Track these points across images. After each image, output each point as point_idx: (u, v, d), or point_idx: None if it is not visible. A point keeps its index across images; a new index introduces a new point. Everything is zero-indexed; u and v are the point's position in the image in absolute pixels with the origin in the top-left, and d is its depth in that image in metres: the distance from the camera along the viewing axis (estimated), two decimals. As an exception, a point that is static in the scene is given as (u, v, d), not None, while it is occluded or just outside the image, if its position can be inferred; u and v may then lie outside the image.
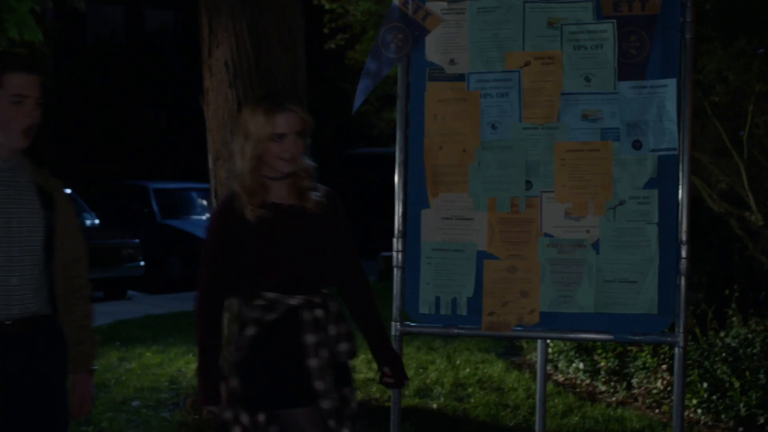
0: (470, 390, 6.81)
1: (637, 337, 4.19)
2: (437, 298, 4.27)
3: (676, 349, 4.08)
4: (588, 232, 4.15)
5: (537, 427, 4.53)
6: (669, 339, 4.16)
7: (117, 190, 15.96)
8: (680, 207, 4.07)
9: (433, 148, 4.28)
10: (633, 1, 4.13)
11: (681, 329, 4.07)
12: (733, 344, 6.67)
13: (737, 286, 8.20)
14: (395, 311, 4.30)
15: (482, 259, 4.22)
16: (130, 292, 13.14)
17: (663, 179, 4.10)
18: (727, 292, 7.53)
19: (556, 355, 7.54)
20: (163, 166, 20.70)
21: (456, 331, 4.28)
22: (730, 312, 7.24)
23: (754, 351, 6.45)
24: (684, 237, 4.07)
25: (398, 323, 4.29)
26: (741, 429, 6.00)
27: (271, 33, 5.93)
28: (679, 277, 4.06)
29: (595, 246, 4.12)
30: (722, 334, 6.93)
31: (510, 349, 8.55)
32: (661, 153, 4.10)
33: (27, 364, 3.17)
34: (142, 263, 12.97)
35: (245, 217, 3.34)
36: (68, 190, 13.82)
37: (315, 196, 3.46)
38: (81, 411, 3.41)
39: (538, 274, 4.18)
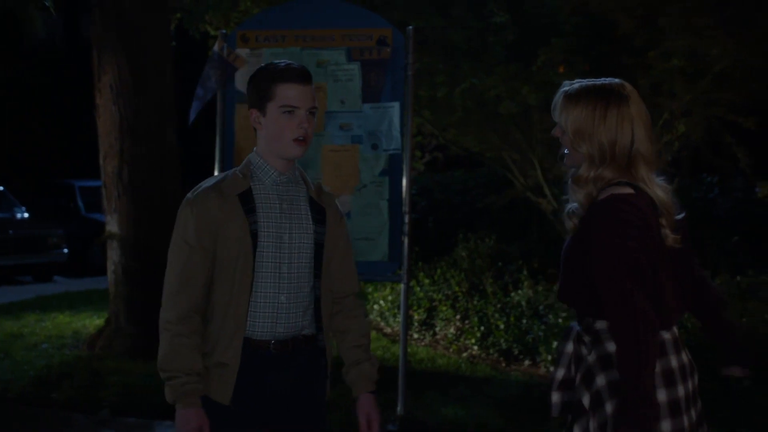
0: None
1: (377, 278, 6.17)
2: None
3: (402, 285, 6.05)
4: (343, 206, 6.05)
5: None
6: (396, 279, 6.15)
7: (47, 187, 17.70)
8: (404, 189, 6.03)
9: (240, 150, 6.20)
10: (372, 49, 6.11)
11: (405, 272, 6.05)
12: (522, 301, 8.67)
13: (536, 258, 10.28)
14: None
15: (273, 226, 6.15)
16: (56, 277, 14.90)
17: (392, 170, 6.07)
18: (520, 262, 9.55)
19: (387, 310, 9.54)
20: (91, 166, 22.32)
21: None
22: (522, 278, 9.25)
23: (521, 303, 8.46)
24: (406, 209, 6.03)
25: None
26: (502, 358, 8.02)
27: (145, 63, 7.85)
28: (403, 236, 6.02)
29: (348, 215, 6.06)
30: (512, 293, 8.93)
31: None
32: (391, 152, 6.07)
33: (292, 386, 3.05)
34: (66, 250, 14.76)
35: None
36: (0, 188, 15.55)
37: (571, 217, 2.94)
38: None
39: (310, 235, 6.12)
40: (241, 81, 6.23)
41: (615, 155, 2.84)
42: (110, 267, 8.08)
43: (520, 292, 8.85)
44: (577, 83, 2.92)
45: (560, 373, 2.97)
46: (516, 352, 8.02)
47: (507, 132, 9.87)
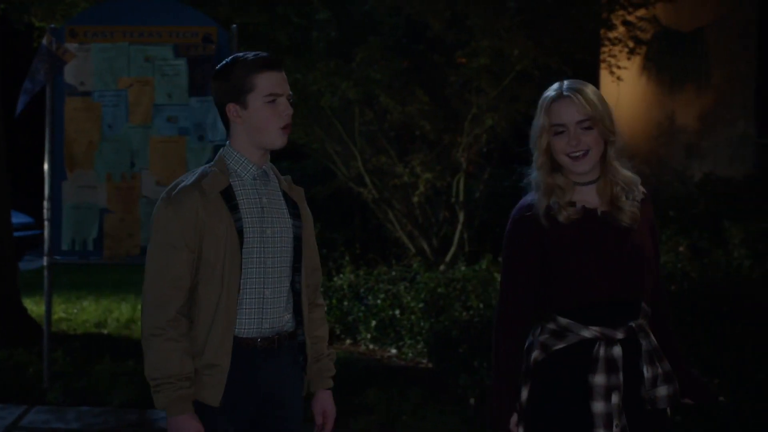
0: (139, 323, 9.02)
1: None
2: (73, 240, 6.44)
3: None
4: (171, 194, 6.42)
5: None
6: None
7: None
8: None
9: (70, 141, 6.44)
10: (198, 46, 6.45)
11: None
12: (344, 285, 9.16)
13: (358, 244, 10.81)
14: (46, 249, 6.44)
15: (104, 214, 6.42)
16: None
17: (217, 160, 6.44)
18: (342, 249, 10.06)
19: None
20: None
21: (86, 261, 6.49)
22: (345, 263, 9.76)
23: (344, 287, 8.97)
24: (232, 197, 6.40)
25: (48, 257, 6.44)
26: (325, 339, 8.50)
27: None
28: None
29: (176, 203, 6.39)
30: (335, 278, 9.42)
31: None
32: (216, 143, 6.43)
33: (276, 384, 3.02)
34: None
35: (547, 222, 2.90)
36: None
37: (630, 204, 2.91)
38: (326, 429, 3.22)
39: (139, 223, 6.42)
40: (70, 75, 6.46)
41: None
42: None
43: (342, 276, 9.35)
44: (561, 82, 2.95)
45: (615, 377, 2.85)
46: (338, 331, 8.52)
47: (330, 125, 10.33)
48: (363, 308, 8.41)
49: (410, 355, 7.75)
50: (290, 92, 2.99)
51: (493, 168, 10.57)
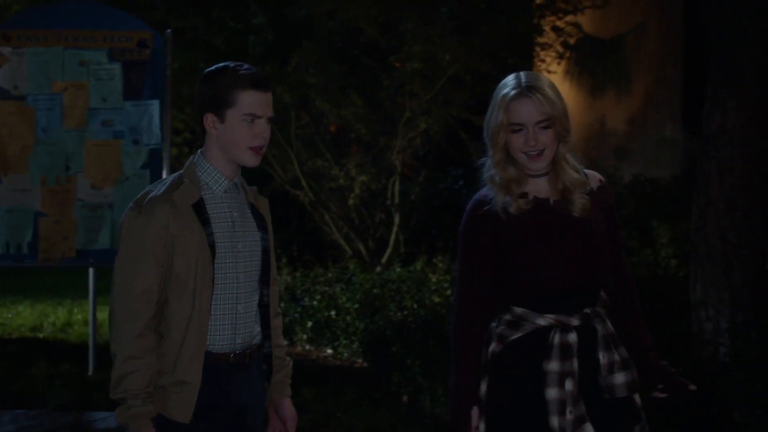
0: (75, 327, 9.05)
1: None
2: (8, 243, 6.44)
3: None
4: (106, 197, 6.46)
5: (90, 338, 6.83)
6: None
7: None
8: (164, 181, 6.48)
9: (4, 145, 6.44)
10: (133, 50, 6.50)
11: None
12: (281, 287, 9.27)
13: (295, 247, 10.91)
14: (-21, 253, 6.45)
15: (38, 217, 6.43)
16: None
17: (152, 164, 6.50)
18: (279, 251, 10.15)
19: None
20: None
21: (21, 264, 6.51)
22: (282, 265, 9.85)
23: (280, 289, 9.06)
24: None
25: (-18, 261, 6.46)
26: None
27: None
28: (165, 225, 6.47)
29: (111, 206, 6.42)
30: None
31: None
32: (151, 147, 6.49)
33: (245, 396, 2.99)
34: None
35: (501, 215, 2.90)
36: None
37: (580, 197, 2.92)
38: None
39: (74, 225, 6.45)
40: (4, 78, 6.46)
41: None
42: None
43: (278, 278, 9.43)
44: (518, 77, 2.92)
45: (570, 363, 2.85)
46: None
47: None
48: (299, 309, 8.52)
49: (345, 355, 7.88)
50: (272, 114, 2.92)
51: (428, 171, 10.75)
